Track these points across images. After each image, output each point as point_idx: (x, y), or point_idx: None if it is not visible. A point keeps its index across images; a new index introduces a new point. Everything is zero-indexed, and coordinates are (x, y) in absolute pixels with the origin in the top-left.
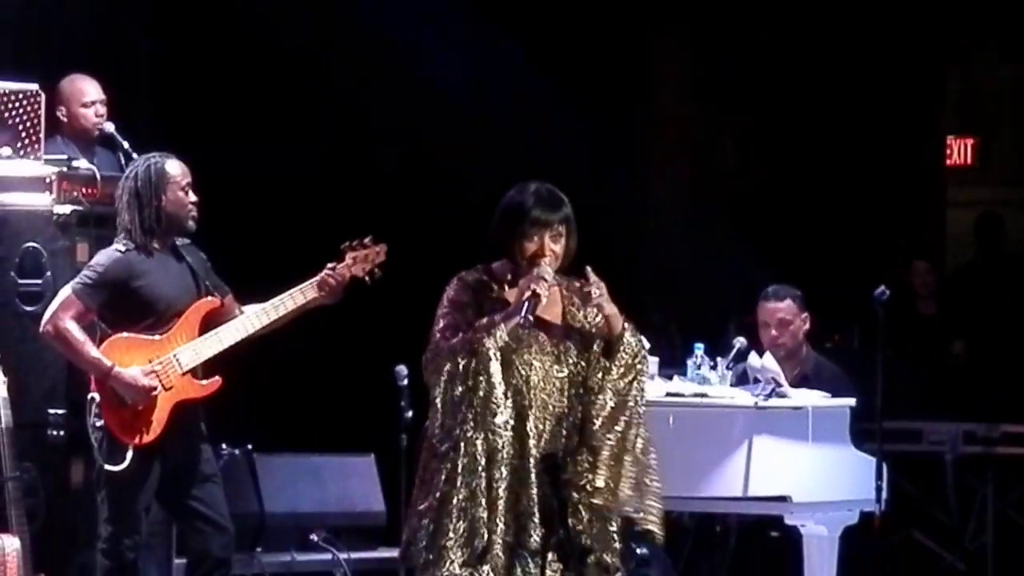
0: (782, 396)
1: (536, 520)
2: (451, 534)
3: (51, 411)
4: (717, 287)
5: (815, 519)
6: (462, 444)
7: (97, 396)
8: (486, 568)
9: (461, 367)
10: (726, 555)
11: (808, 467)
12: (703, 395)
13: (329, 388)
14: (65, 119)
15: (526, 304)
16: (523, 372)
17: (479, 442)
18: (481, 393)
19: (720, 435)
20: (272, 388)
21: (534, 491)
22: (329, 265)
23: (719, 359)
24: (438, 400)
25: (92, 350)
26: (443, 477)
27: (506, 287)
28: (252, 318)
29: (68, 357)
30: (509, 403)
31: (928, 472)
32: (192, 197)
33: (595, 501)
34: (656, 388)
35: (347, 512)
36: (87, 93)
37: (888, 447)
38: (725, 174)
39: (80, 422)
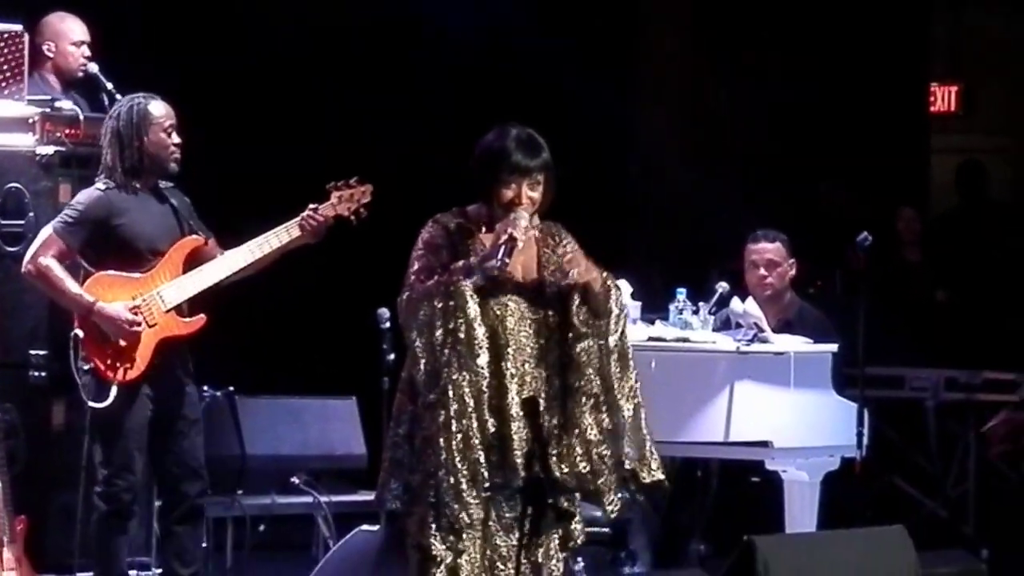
0: (764, 341)
1: (520, 463)
2: (453, 480)
3: (32, 352)
4: (700, 231)
5: (796, 464)
6: (450, 388)
7: (81, 333)
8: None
9: (439, 309)
10: (707, 500)
11: (790, 412)
12: (685, 340)
13: (311, 331)
14: (51, 55)
15: (502, 248)
16: (498, 314)
17: (465, 384)
18: (461, 335)
19: (702, 380)
20: (254, 331)
21: (516, 433)
22: (312, 205)
23: (701, 304)
24: (418, 344)
25: (74, 287)
26: (440, 423)
27: (482, 230)
28: (236, 256)
29: (50, 295)
30: (485, 343)
31: (910, 418)
32: (175, 139)
33: (599, 451)
34: (638, 332)
35: (328, 455)
36: (77, 33)
37: (870, 393)
38: (713, 118)
39: (62, 364)
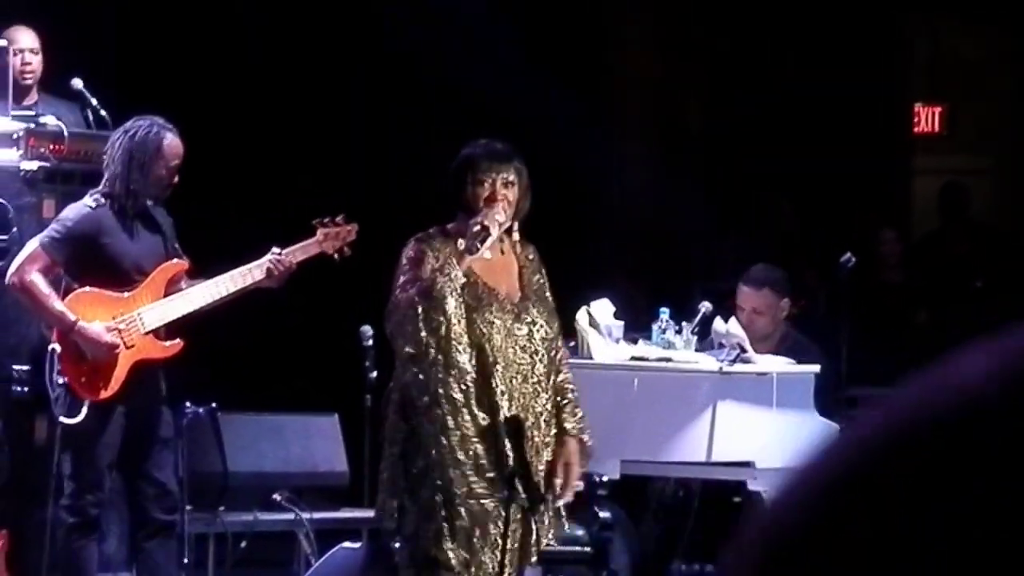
0: (747, 361)
1: (506, 476)
2: (469, 470)
3: (15, 367)
4: (683, 252)
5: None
6: (439, 390)
7: (58, 348)
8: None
9: (421, 312)
10: (689, 520)
11: (772, 433)
12: (668, 359)
13: (294, 348)
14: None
15: (475, 237)
16: (484, 331)
17: (453, 383)
18: (442, 332)
19: (684, 400)
20: (237, 347)
21: (505, 449)
22: (274, 250)
23: (684, 324)
24: (408, 350)
25: (57, 303)
26: (438, 427)
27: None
28: (219, 284)
29: (32, 309)
30: (465, 340)
31: None
32: (175, 179)
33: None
34: (621, 352)
35: (310, 472)
36: (13, 40)
37: (852, 414)
38: (690, 137)
39: (42, 378)
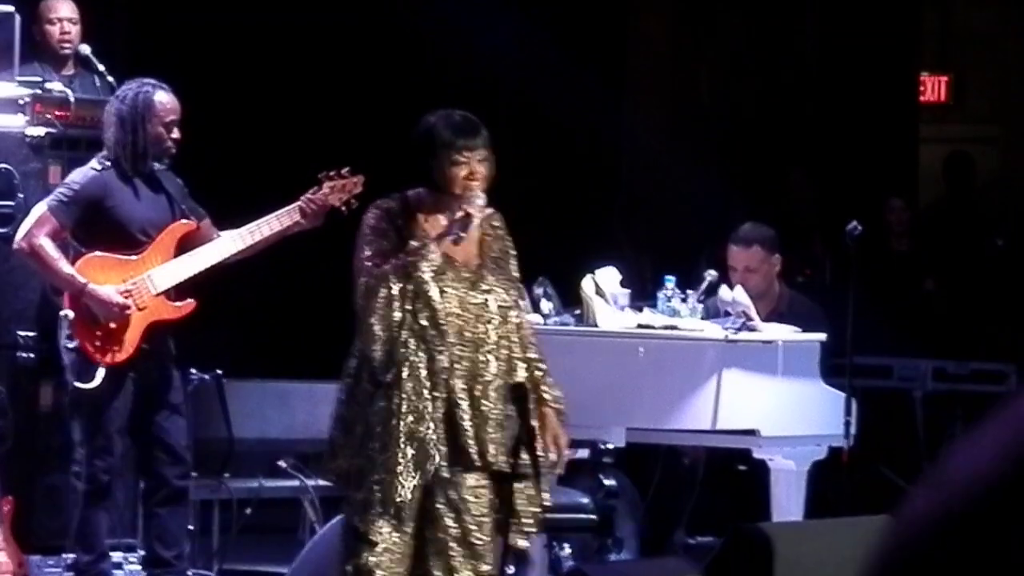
0: (752, 330)
1: (472, 446)
2: (401, 459)
3: (21, 333)
4: (689, 220)
5: (783, 453)
6: (405, 368)
7: (70, 313)
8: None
9: (397, 291)
10: (694, 488)
11: (777, 401)
12: (673, 327)
13: (300, 314)
14: (39, 37)
15: (457, 224)
16: (438, 298)
17: (422, 366)
18: (421, 318)
19: (690, 368)
20: (243, 314)
21: (461, 418)
22: (308, 194)
23: (690, 292)
24: (377, 328)
25: (66, 266)
26: (393, 405)
27: (426, 216)
28: (229, 242)
29: (41, 274)
30: (445, 326)
31: (898, 408)
32: (174, 134)
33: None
34: (627, 320)
35: (316, 439)
36: (53, 10)
37: (858, 383)
38: (701, 107)
39: (50, 345)
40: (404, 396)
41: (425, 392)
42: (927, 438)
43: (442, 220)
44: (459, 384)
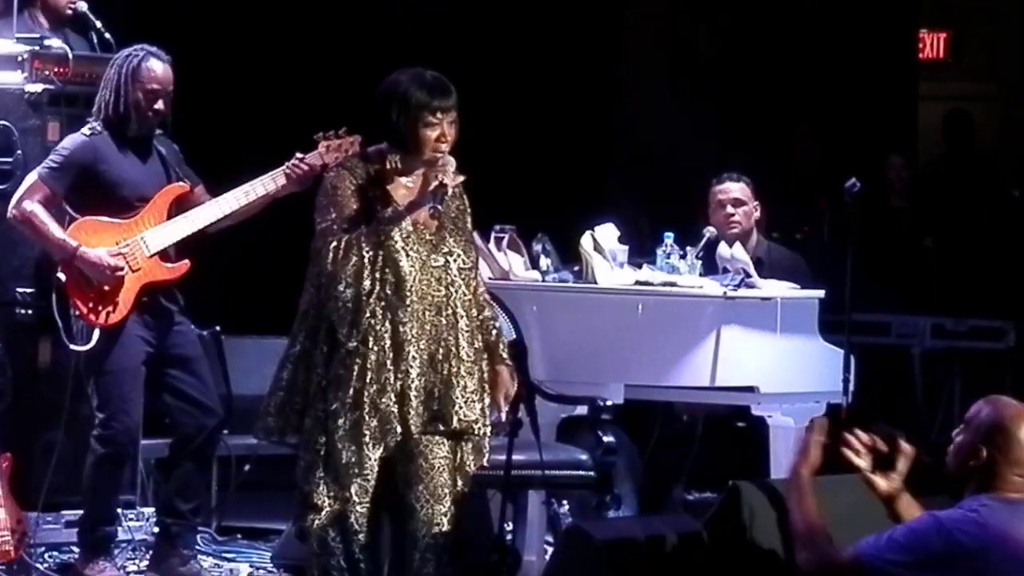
0: (751, 286)
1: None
2: (366, 430)
3: (19, 290)
4: (688, 176)
5: (782, 410)
6: (371, 338)
7: (63, 277)
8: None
9: (367, 259)
10: (693, 445)
11: (776, 358)
12: (672, 284)
13: (298, 271)
14: None
15: (433, 196)
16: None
17: (387, 336)
18: (389, 288)
19: (688, 324)
20: (241, 270)
21: (403, 367)
22: (298, 155)
23: (688, 248)
24: (346, 294)
25: (58, 231)
26: (355, 373)
27: (393, 176)
28: (222, 203)
29: (35, 240)
30: (412, 295)
31: (896, 365)
32: (157, 105)
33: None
34: (625, 276)
35: None
36: None
37: (856, 339)
38: (700, 63)
39: (49, 302)
40: (368, 367)
41: (388, 363)
42: (925, 395)
43: (407, 183)
44: (424, 349)
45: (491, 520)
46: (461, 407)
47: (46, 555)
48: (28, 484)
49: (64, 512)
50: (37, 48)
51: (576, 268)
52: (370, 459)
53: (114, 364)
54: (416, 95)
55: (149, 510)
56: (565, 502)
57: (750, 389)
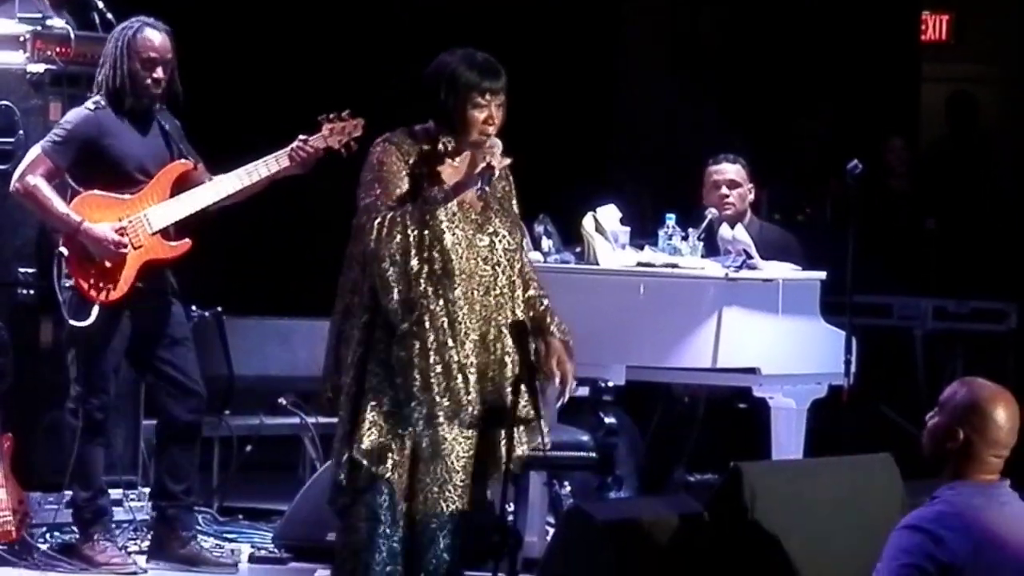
0: (753, 268)
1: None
2: (439, 412)
3: (21, 270)
4: (689, 157)
5: (783, 391)
6: (426, 319)
7: (65, 251)
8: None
9: (413, 239)
10: (694, 426)
11: (777, 339)
12: (674, 265)
13: (301, 252)
14: None
15: (481, 177)
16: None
17: (443, 315)
18: (437, 265)
19: (690, 306)
20: (243, 251)
21: (468, 347)
22: (301, 136)
23: (690, 230)
24: (391, 273)
25: (61, 206)
26: (414, 354)
27: (443, 157)
28: (225, 182)
29: (38, 214)
30: (462, 275)
31: (898, 347)
32: (156, 74)
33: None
34: (627, 258)
35: (316, 376)
36: None
37: (858, 321)
38: (701, 45)
39: (50, 282)
40: (429, 347)
41: (450, 341)
42: (927, 376)
43: (454, 163)
44: (475, 328)
45: (492, 501)
46: (506, 391)
47: (48, 535)
48: (29, 464)
49: (66, 492)
50: (39, 28)
51: (578, 249)
52: (447, 439)
53: (102, 342)
54: (466, 75)
55: (149, 489)
56: (567, 483)
57: (751, 371)
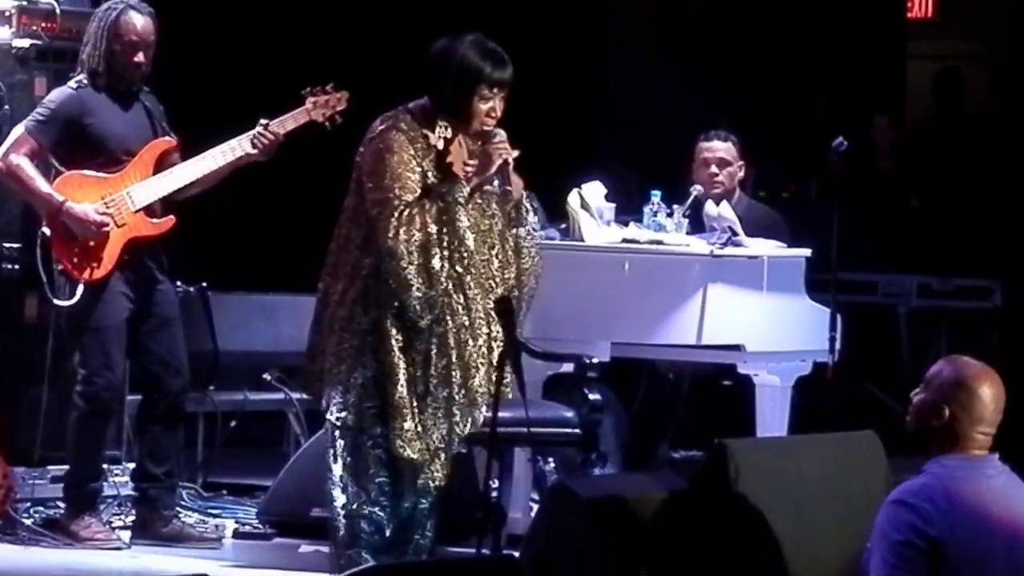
0: (738, 245)
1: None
2: (456, 410)
3: (6, 245)
4: (676, 134)
5: (768, 369)
6: (448, 315)
7: (48, 231)
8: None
9: (434, 237)
10: (678, 403)
11: (762, 316)
12: (659, 242)
13: (286, 227)
14: None
15: (500, 176)
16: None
17: (462, 311)
18: (459, 267)
19: (675, 283)
20: (229, 226)
21: (481, 343)
22: (262, 121)
23: (675, 206)
24: (410, 270)
25: (43, 186)
26: (434, 350)
27: (448, 147)
28: (208, 159)
29: (20, 194)
30: (479, 268)
31: (882, 324)
32: (137, 58)
33: None
34: (612, 234)
35: (301, 352)
36: None
37: (843, 298)
38: (688, 21)
39: (34, 256)
40: (450, 343)
41: (469, 340)
42: (911, 354)
43: (459, 155)
44: (486, 323)
45: (476, 477)
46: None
47: (32, 510)
48: (14, 439)
49: (50, 467)
50: (24, 3)
51: (563, 226)
52: (460, 437)
53: (98, 321)
54: (476, 65)
55: (134, 465)
56: (551, 459)
57: (736, 348)
